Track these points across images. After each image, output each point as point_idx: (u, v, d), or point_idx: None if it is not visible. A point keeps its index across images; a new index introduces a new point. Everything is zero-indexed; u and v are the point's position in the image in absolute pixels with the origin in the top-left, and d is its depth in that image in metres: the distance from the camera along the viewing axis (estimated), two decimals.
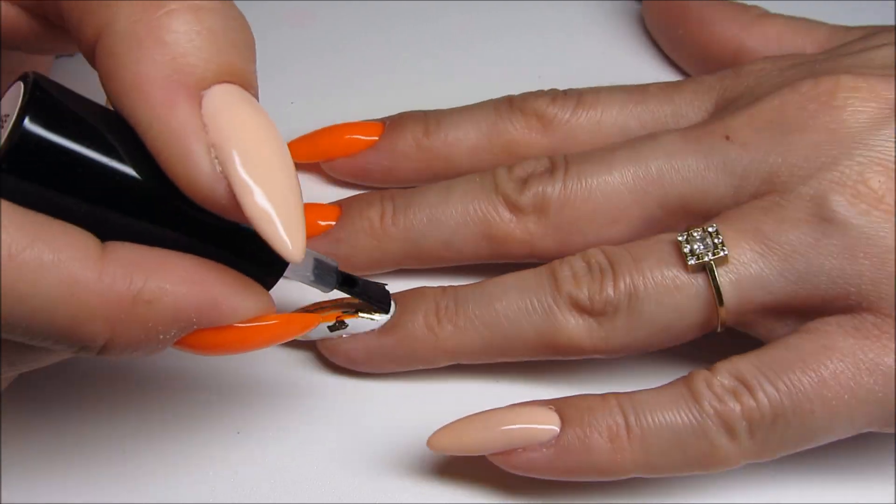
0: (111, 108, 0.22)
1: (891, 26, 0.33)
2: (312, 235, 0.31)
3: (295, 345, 0.31)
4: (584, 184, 0.29)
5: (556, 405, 0.27)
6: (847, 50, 0.31)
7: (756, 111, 0.29)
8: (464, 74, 0.38)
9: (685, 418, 0.26)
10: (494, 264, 0.31)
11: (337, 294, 0.28)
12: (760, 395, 0.26)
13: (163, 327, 0.21)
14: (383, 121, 0.33)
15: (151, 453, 0.29)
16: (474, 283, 0.30)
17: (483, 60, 0.39)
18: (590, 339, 0.28)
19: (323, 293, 0.28)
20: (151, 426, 0.29)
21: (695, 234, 0.27)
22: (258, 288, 0.23)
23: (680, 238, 0.28)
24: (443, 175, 0.33)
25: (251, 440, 0.29)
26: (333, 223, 0.31)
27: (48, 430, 0.29)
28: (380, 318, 0.29)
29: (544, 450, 0.26)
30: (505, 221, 0.30)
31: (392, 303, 0.29)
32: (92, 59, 0.21)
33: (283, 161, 0.21)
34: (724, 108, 0.30)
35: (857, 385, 0.26)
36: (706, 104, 0.31)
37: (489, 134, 0.32)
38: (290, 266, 0.24)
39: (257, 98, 0.22)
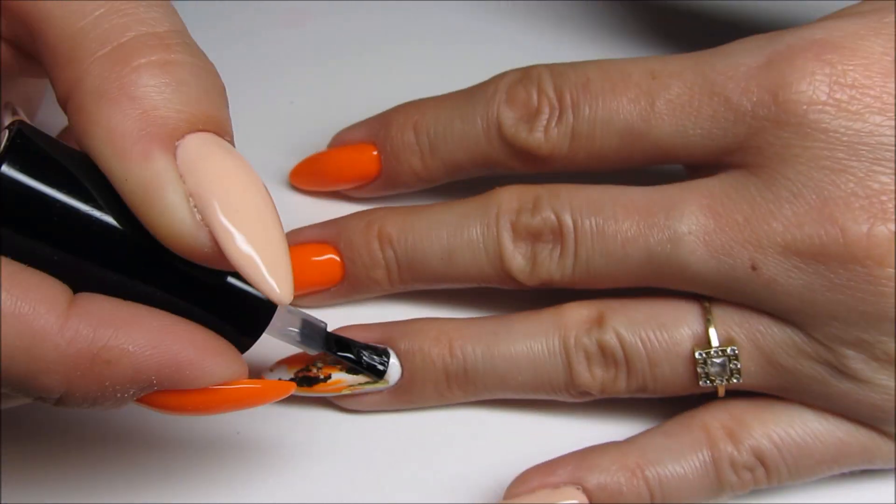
0: None
1: None
2: (313, 284, 0.31)
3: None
4: (592, 275, 0.28)
5: (587, 490, 0.27)
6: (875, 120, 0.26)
7: (793, 244, 0.26)
8: (465, 74, 0.38)
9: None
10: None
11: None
12: (774, 474, 0.28)
13: (120, 386, 0.21)
14: (375, 141, 0.32)
15: (153, 454, 0.29)
16: (482, 341, 0.29)
17: (485, 60, 0.39)
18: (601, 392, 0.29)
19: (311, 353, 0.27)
20: (153, 426, 0.29)
21: (715, 357, 0.27)
22: (231, 352, 0.23)
23: (698, 357, 0.27)
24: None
25: (250, 442, 0.29)
26: (332, 256, 0.30)
27: (48, 431, 0.29)
28: (385, 387, 0.29)
29: None
30: (511, 287, 0.30)
31: (397, 365, 0.29)
32: (67, 114, 0.21)
33: (264, 204, 0.21)
34: (756, 184, 0.27)
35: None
36: (727, 139, 0.27)
37: (484, 161, 0.31)
38: (276, 326, 0.24)
39: (233, 143, 0.22)
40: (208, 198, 0.20)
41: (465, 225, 0.29)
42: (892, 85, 0.25)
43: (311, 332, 0.26)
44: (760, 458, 0.27)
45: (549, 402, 0.30)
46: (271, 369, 0.29)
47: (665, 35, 0.40)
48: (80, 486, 0.28)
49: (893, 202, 0.25)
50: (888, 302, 0.25)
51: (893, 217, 0.25)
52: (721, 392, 0.28)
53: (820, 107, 0.26)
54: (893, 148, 0.25)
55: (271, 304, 0.23)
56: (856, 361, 0.26)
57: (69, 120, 0.21)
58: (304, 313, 0.26)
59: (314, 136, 0.36)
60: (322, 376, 0.28)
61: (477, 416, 0.30)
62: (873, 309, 0.26)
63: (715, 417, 0.28)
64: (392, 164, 0.32)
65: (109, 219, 0.21)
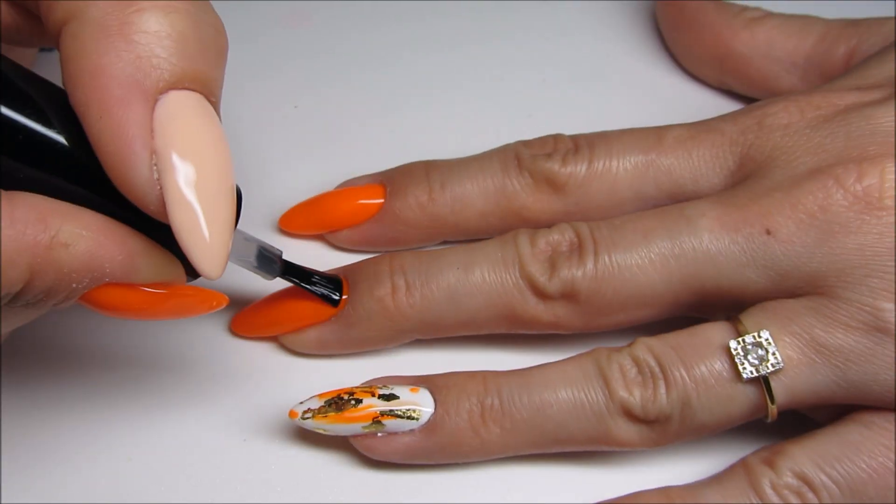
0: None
1: (885, 18, 0.33)
2: (319, 321, 0.29)
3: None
4: (616, 270, 0.28)
5: None
6: (868, 97, 0.29)
7: (797, 201, 0.27)
8: (467, 74, 0.38)
9: None
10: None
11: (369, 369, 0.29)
12: (825, 494, 0.26)
13: (76, 274, 0.22)
14: (383, 181, 0.32)
15: (154, 455, 0.29)
16: (518, 377, 0.28)
17: (486, 61, 0.39)
18: (640, 441, 0.27)
19: (267, 280, 0.28)
20: (153, 426, 0.29)
21: (748, 343, 0.27)
22: (172, 257, 0.23)
23: (732, 347, 0.27)
24: (451, 235, 0.32)
25: (257, 448, 0.29)
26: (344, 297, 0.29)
27: (49, 432, 0.29)
28: (419, 421, 0.27)
29: None
30: (531, 306, 0.29)
31: (432, 400, 0.28)
32: (57, 40, 0.21)
33: (223, 179, 0.21)
34: (755, 178, 0.29)
35: None
36: (728, 162, 0.30)
37: (497, 197, 0.31)
38: (234, 249, 0.25)
39: (218, 107, 0.22)
40: (169, 160, 0.20)
41: (481, 247, 0.29)
42: (849, 95, 0.30)
43: (267, 258, 0.27)
44: (804, 480, 0.26)
45: (590, 458, 0.29)
46: (301, 402, 0.28)
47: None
48: (82, 492, 0.28)
49: (875, 149, 0.27)
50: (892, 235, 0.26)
51: (879, 158, 0.27)
52: (772, 406, 0.27)
53: (795, 122, 0.29)
54: (865, 124, 0.28)
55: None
56: (889, 313, 0.26)
57: (60, 46, 0.21)
58: (261, 241, 0.27)
59: (315, 137, 0.36)
60: (354, 402, 0.27)
61: (519, 476, 0.29)
62: (885, 245, 0.26)
63: (755, 454, 0.27)
64: (397, 194, 0.31)
65: (62, 139, 0.21)
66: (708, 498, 0.26)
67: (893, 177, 0.27)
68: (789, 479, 0.26)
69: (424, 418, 0.27)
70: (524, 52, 0.39)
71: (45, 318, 0.30)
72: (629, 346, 0.28)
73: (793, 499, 0.26)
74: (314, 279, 0.29)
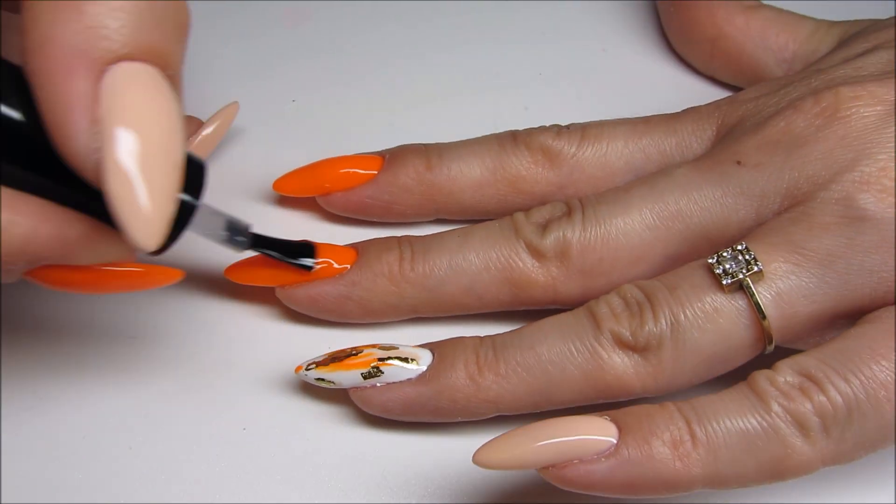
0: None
1: (872, 20, 0.33)
2: (327, 276, 0.30)
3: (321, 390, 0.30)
4: (603, 226, 0.29)
5: (612, 415, 0.25)
6: (833, 61, 0.31)
7: (762, 134, 0.29)
8: (465, 72, 0.38)
9: (753, 421, 0.25)
10: (517, 313, 0.31)
11: (373, 341, 0.29)
12: (830, 389, 0.25)
13: (10, 258, 0.22)
14: (382, 154, 0.33)
15: (155, 451, 0.29)
16: (512, 331, 0.29)
17: (484, 59, 0.39)
18: (637, 376, 0.27)
19: (236, 253, 0.28)
20: (157, 421, 0.29)
21: (725, 254, 0.27)
22: (115, 238, 0.23)
23: (711, 261, 0.27)
24: (445, 210, 0.32)
25: (257, 437, 0.29)
26: (349, 266, 0.30)
27: (49, 430, 0.29)
28: (416, 367, 0.28)
29: (602, 460, 0.24)
30: (527, 266, 0.29)
31: (429, 353, 0.28)
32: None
33: (167, 150, 0.21)
34: (728, 135, 0.30)
35: None
36: (707, 132, 0.31)
37: (494, 168, 0.32)
38: (199, 223, 0.25)
39: (176, 80, 0.22)
40: (109, 130, 0.20)
41: (479, 225, 0.31)
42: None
43: (237, 231, 0.27)
44: (803, 373, 0.25)
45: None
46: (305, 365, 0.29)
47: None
48: (82, 488, 0.28)
49: (831, 85, 0.29)
50: (858, 131, 0.28)
51: (833, 89, 0.29)
52: (754, 297, 0.26)
53: (765, 92, 0.31)
54: (821, 76, 0.30)
55: (190, 207, 0.24)
56: (865, 201, 0.27)
57: (21, 21, 0.21)
58: (229, 214, 0.27)
59: (313, 132, 0.36)
60: (354, 352, 0.28)
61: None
62: (848, 142, 0.28)
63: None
64: (394, 161, 0.32)
65: (13, 114, 0.21)
66: (704, 403, 0.25)
67: (846, 96, 0.28)
68: (790, 377, 0.25)
69: (423, 364, 0.28)
70: (521, 49, 0.39)
71: (41, 304, 0.31)
72: (616, 291, 0.28)
73: (796, 395, 0.25)
74: (286, 248, 0.29)
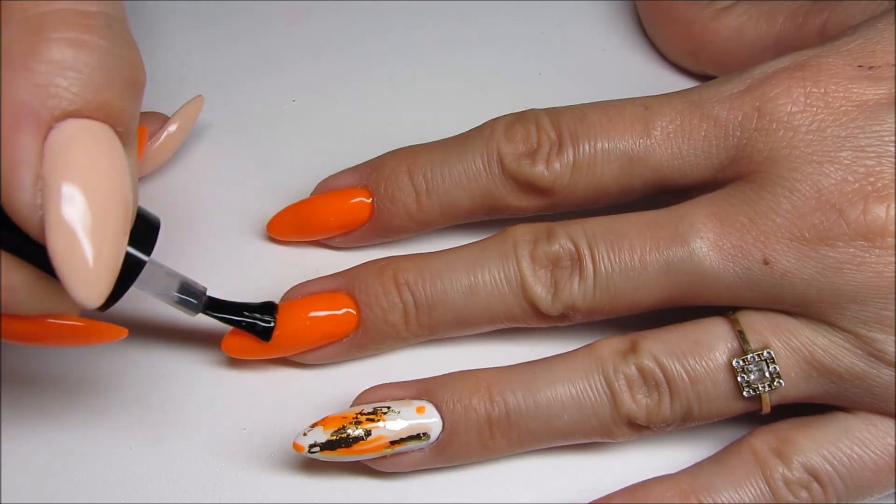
0: None
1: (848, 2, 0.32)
2: (332, 338, 0.29)
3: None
4: (613, 292, 0.28)
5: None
6: (868, 60, 0.28)
7: (799, 233, 0.27)
8: (465, 72, 0.38)
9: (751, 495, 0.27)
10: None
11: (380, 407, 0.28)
12: (831, 490, 0.27)
13: None
14: (366, 185, 0.31)
15: (155, 451, 0.29)
16: (521, 378, 0.28)
17: (484, 59, 0.39)
18: (636, 438, 0.29)
19: (189, 316, 0.28)
20: (153, 424, 0.29)
21: (750, 363, 0.27)
22: (58, 288, 0.22)
23: (735, 364, 0.27)
24: (439, 226, 0.32)
25: (257, 437, 0.29)
26: (350, 310, 0.29)
27: (49, 430, 0.29)
28: (429, 440, 0.27)
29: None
30: (533, 322, 0.29)
31: (439, 418, 0.28)
32: None
33: (112, 208, 0.21)
34: (752, 188, 0.28)
35: None
36: (721, 156, 0.29)
37: (483, 199, 0.31)
38: (148, 281, 0.25)
39: (127, 137, 0.22)
40: (53, 187, 0.20)
41: (483, 260, 0.29)
42: (857, 85, 0.28)
43: (189, 293, 0.27)
44: (813, 474, 0.27)
45: (595, 445, 0.29)
46: (305, 433, 0.27)
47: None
48: (82, 488, 0.28)
49: (882, 181, 0.27)
50: (891, 273, 0.26)
51: (886, 193, 0.27)
52: (766, 405, 0.28)
53: (800, 113, 0.28)
54: (873, 135, 0.27)
55: (138, 263, 0.24)
56: (885, 343, 0.27)
57: None
58: (184, 276, 0.27)
59: (312, 131, 0.36)
60: (363, 433, 0.27)
61: (520, 464, 0.29)
62: (884, 282, 0.26)
63: (761, 440, 0.28)
64: (385, 206, 0.31)
65: None
66: (720, 489, 0.27)
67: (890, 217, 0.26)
68: (800, 474, 0.27)
69: (434, 436, 0.28)
70: (521, 49, 0.39)
71: None
72: (635, 353, 0.28)
73: (803, 494, 0.27)
74: (243, 313, 0.28)
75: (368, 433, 0.27)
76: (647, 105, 0.30)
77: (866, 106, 0.27)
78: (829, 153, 0.27)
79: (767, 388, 0.27)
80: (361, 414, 0.27)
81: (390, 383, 0.29)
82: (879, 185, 0.27)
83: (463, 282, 0.29)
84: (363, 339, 0.30)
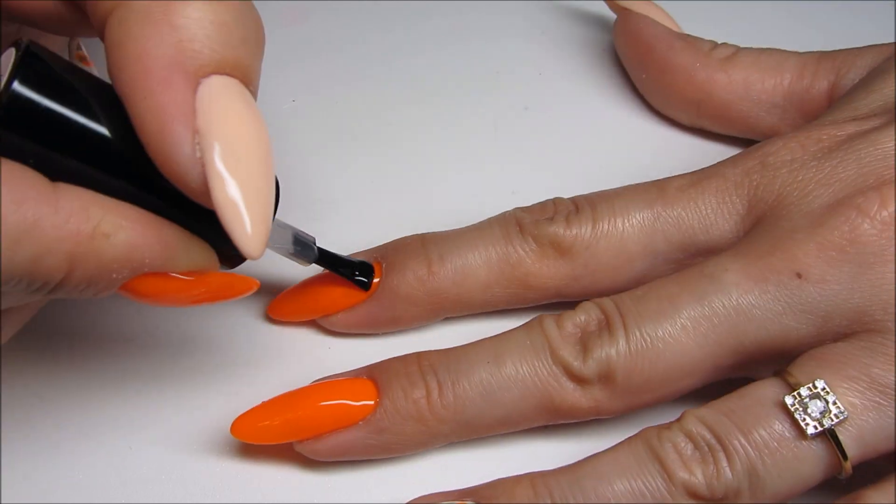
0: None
1: (861, 48, 0.32)
2: (342, 417, 0.27)
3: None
4: (650, 346, 0.27)
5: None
6: (864, 118, 0.29)
7: (823, 239, 0.26)
8: (465, 72, 0.38)
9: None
10: None
11: None
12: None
13: (117, 265, 0.22)
14: (377, 259, 0.30)
15: (155, 452, 0.29)
16: (566, 473, 0.26)
17: (484, 59, 0.39)
18: None
19: (302, 266, 0.28)
20: (153, 424, 0.29)
21: (804, 396, 0.25)
22: (204, 244, 0.24)
23: (789, 403, 0.25)
24: (453, 312, 0.30)
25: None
26: (369, 402, 0.27)
27: (49, 430, 0.29)
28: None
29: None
30: (568, 392, 0.27)
31: None
32: (102, 29, 0.22)
33: (263, 161, 0.22)
34: (771, 223, 0.28)
35: None
36: (736, 206, 0.29)
37: (501, 266, 0.29)
38: (273, 237, 0.25)
39: (256, 95, 0.22)
40: (212, 139, 0.21)
41: (509, 343, 0.28)
42: (849, 126, 0.29)
43: (303, 245, 0.28)
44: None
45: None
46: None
47: None
48: (82, 488, 0.28)
49: (893, 177, 0.27)
50: None
51: None
52: (843, 449, 0.25)
53: (800, 155, 0.28)
54: (872, 151, 0.27)
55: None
56: None
57: (105, 33, 0.21)
58: (295, 228, 0.28)
59: (314, 134, 0.36)
60: None
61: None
62: None
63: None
64: (393, 273, 0.30)
65: (105, 130, 0.22)
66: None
67: None
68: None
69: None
70: (521, 49, 0.40)
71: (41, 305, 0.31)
72: (678, 421, 0.26)
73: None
74: (347, 265, 0.29)
75: None
76: (655, 181, 0.30)
77: (860, 134, 0.28)
78: (835, 172, 0.27)
79: (832, 421, 0.24)
80: None
81: (436, 493, 0.27)
82: (888, 175, 0.27)
83: (489, 352, 0.28)
84: (382, 420, 0.27)
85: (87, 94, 0.22)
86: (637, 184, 0.30)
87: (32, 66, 0.21)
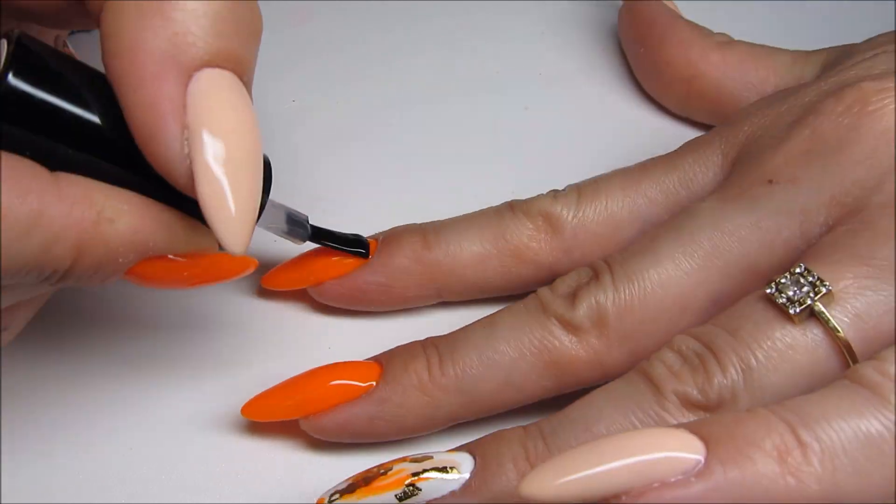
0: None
1: (849, 45, 0.32)
2: (350, 399, 0.27)
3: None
4: (636, 283, 0.27)
5: (691, 427, 0.21)
6: (839, 69, 0.30)
7: (788, 146, 0.27)
8: (465, 72, 0.38)
9: (876, 423, 0.20)
10: None
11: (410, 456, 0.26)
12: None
13: (123, 249, 0.22)
14: (376, 237, 0.31)
15: (156, 452, 0.29)
16: (559, 413, 0.25)
17: (484, 59, 0.39)
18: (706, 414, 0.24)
19: (296, 245, 0.29)
20: (153, 425, 0.29)
21: (783, 280, 0.24)
22: (202, 226, 0.23)
23: (769, 291, 0.24)
24: (448, 289, 0.30)
25: (257, 439, 0.29)
26: (374, 382, 0.27)
27: (49, 430, 0.29)
28: (457, 476, 0.24)
29: (693, 482, 0.20)
30: (564, 344, 0.27)
31: (469, 456, 0.25)
32: (97, 18, 0.22)
33: (251, 157, 0.22)
34: (743, 158, 0.28)
35: None
36: (712, 159, 0.29)
37: (494, 240, 0.30)
38: (265, 217, 0.26)
39: (250, 87, 0.22)
40: (200, 136, 0.21)
41: (505, 310, 0.28)
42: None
43: (296, 223, 0.28)
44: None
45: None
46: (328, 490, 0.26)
47: None
48: (82, 488, 0.28)
49: (852, 80, 0.28)
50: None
51: (855, 85, 0.27)
52: (829, 321, 0.23)
53: (766, 101, 0.30)
54: (833, 81, 0.29)
55: (262, 204, 0.25)
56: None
57: (100, 24, 0.21)
58: (287, 207, 0.28)
59: (314, 135, 0.36)
60: (381, 472, 0.25)
61: None
62: (890, 141, 0.26)
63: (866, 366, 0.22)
64: (388, 245, 0.30)
65: (99, 119, 0.22)
66: (804, 404, 0.21)
67: (871, 89, 0.26)
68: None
69: (464, 471, 0.25)
70: (521, 49, 0.40)
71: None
72: (667, 345, 0.25)
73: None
74: (342, 238, 0.30)
75: (388, 469, 0.25)
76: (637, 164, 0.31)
77: (818, 78, 0.30)
78: (799, 100, 0.29)
79: (815, 298, 0.23)
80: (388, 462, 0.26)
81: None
82: (848, 81, 0.27)
83: (483, 322, 0.28)
84: (384, 391, 0.27)
85: (81, 82, 0.22)
86: (622, 168, 0.31)
87: (25, 57, 0.21)
